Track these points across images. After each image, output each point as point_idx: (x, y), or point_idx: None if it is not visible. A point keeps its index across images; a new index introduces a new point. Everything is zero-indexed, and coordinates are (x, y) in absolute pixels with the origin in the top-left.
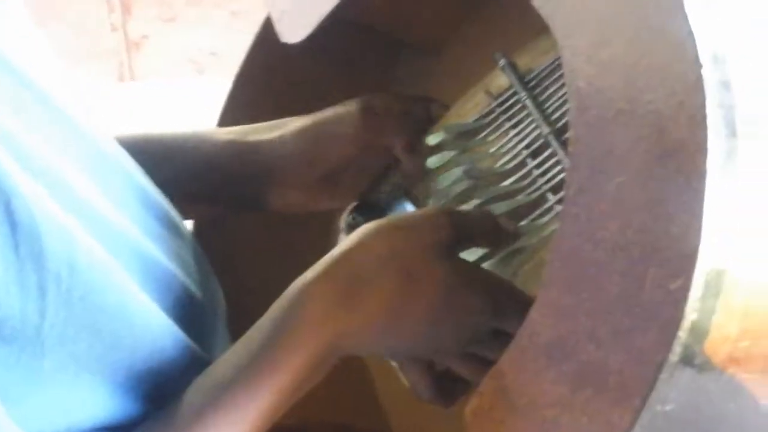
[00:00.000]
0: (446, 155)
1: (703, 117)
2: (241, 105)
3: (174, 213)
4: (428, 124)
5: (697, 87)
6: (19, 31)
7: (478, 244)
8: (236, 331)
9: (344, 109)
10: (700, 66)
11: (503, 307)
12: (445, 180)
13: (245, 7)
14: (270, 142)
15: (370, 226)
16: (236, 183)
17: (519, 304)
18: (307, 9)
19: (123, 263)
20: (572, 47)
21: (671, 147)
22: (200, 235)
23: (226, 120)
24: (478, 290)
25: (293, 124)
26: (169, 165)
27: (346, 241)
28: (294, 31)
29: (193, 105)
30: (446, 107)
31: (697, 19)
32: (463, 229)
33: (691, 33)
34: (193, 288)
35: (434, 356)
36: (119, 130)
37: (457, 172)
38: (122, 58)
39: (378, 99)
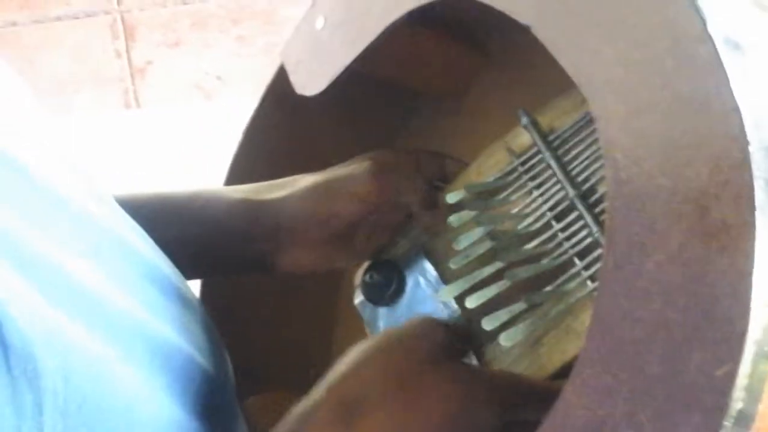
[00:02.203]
0: (466, 214)
1: (751, 197)
2: (251, 159)
3: (182, 282)
4: (443, 180)
5: (743, 165)
6: None
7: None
8: (242, 393)
9: (355, 167)
10: (747, 143)
11: (513, 404)
12: (466, 240)
13: (250, 31)
14: (279, 200)
15: (364, 345)
16: (244, 244)
17: (527, 395)
18: (324, 61)
19: (128, 348)
20: (606, 116)
21: (715, 226)
22: (206, 297)
23: (235, 173)
24: (481, 393)
25: (303, 181)
26: (176, 225)
27: (340, 365)
28: (310, 83)
29: (201, 131)
30: (463, 163)
31: (740, 94)
32: (454, 331)
33: (737, 108)
34: (203, 362)
35: None
36: (128, 159)
37: (478, 232)
38: (127, 85)
39: (389, 154)
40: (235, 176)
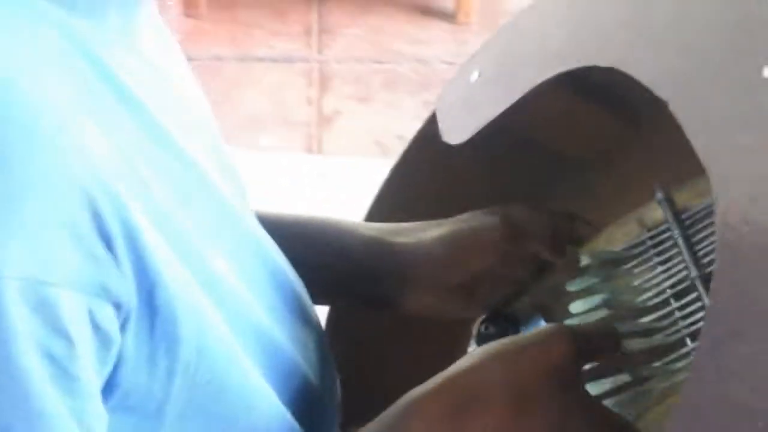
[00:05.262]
0: (588, 280)
1: None
2: (394, 195)
3: (305, 298)
4: (572, 241)
5: None
6: (176, 95)
7: (597, 360)
8: (345, 421)
9: (485, 219)
10: None
11: None
12: (583, 305)
13: (437, 97)
14: (410, 245)
15: (491, 347)
16: (371, 280)
17: None
18: (473, 112)
19: (246, 344)
20: (727, 200)
21: None
22: (331, 321)
23: (377, 206)
24: (592, 429)
25: (434, 230)
26: (308, 250)
27: (463, 360)
28: (456, 131)
29: (374, 185)
30: (590, 225)
31: None
32: (585, 346)
33: None
34: (312, 376)
35: None
36: (302, 200)
37: (596, 299)
38: (312, 130)
39: (519, 209)
40: (378, 210)
